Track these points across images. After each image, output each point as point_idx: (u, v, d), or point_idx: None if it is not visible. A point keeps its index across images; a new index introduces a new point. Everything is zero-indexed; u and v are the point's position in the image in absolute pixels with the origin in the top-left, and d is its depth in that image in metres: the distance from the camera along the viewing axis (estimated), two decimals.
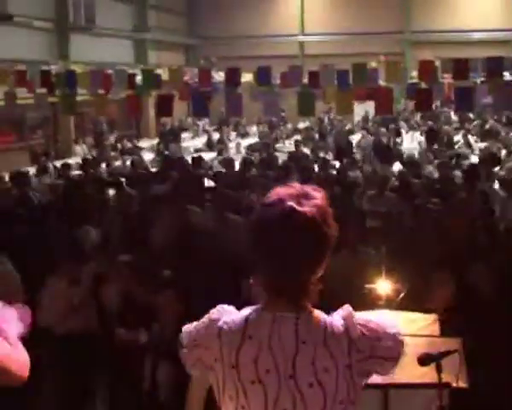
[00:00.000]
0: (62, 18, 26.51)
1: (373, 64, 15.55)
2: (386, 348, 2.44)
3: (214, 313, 2.58)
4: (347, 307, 2.50)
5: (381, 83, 13.53)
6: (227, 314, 2.56)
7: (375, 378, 2.56)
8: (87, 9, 27.46)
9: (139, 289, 6.50)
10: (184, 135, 29.11)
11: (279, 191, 2.46)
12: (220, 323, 2.52)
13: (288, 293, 2.44)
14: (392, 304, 4.69)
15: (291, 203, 2.39)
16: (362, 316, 2.48)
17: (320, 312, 2.47)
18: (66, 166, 16.50)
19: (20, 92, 15.86)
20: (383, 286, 4.73)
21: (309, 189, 2.48)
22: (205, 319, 2.59)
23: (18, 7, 19.70)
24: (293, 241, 2.39)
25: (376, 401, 4.14)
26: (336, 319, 2.45)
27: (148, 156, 20.94)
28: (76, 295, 6.65)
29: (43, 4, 25.57)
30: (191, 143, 27.09)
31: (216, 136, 26.87)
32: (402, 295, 4.73)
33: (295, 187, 2.47)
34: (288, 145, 22.81)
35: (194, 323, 2.64)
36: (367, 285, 4.78)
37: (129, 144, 24.53)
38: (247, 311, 2.52)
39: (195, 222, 8.70)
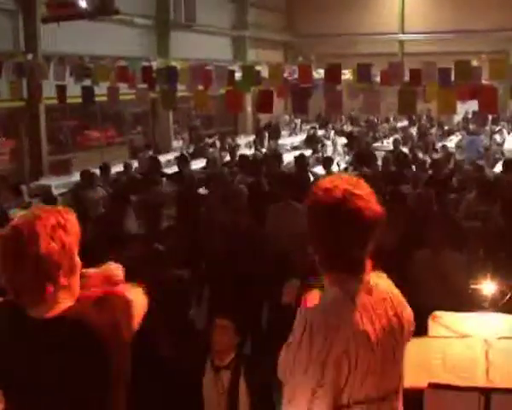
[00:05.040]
0: (163, 15, 26.84)
1: (475, 62, 15.16)
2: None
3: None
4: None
5: (484, 82, 13.21)
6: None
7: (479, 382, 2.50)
8: (187, 7, 27.69)
9: None
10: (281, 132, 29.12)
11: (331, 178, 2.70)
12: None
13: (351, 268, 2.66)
14: (497, 306, 4.58)
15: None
16: None
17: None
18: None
19: (121, 88, 16.10)
20: (489, 287, 4.63)
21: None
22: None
23: (119, 4, 20.02)
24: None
25: (479, 405, 4.05)
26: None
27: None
28: None
29: (144, 2, 25.96)
30: (288, 141, 27.08)
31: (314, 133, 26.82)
32: (508, 297, 4.60)
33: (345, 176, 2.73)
34: (386, 144, 22.54)
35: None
36: (472, 286, 4.67)
37: (229, 141, 24.70)
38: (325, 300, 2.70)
39: None
